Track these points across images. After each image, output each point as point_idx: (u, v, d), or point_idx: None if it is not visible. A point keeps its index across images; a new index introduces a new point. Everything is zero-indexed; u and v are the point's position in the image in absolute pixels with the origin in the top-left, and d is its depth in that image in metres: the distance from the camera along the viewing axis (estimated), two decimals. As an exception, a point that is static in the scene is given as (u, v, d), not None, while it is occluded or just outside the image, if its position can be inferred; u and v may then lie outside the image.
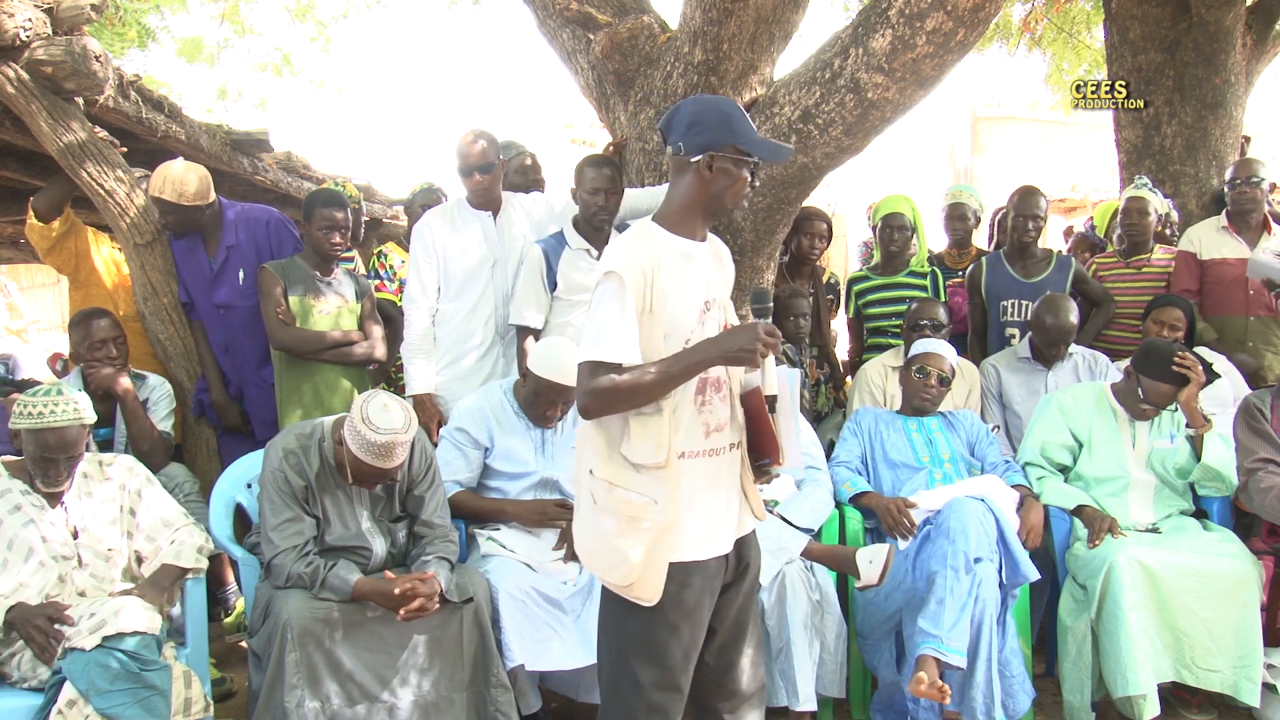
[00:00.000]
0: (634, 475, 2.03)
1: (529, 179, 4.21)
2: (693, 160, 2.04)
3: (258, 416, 3.83)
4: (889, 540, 3.17)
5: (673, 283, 2.04)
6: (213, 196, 3.75)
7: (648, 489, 2.01)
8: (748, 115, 2.11)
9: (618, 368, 1.97)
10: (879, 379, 3.97)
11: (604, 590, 2.12)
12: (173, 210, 3.65)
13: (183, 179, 3.64)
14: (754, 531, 2.27)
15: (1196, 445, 3.27)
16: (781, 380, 2.12)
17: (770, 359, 2.02)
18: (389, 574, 2.70)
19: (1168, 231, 4.82)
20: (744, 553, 2.20)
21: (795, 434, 2.15)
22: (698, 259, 2.11)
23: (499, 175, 3.63)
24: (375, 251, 4.66)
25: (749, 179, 2.08)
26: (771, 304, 2.04)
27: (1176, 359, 3.27)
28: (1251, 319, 4.17)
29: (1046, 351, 3.88)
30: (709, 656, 2.19)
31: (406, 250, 4.16)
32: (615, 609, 2.09)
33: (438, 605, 2.66)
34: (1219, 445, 3.24)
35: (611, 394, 1.97)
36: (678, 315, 2.05)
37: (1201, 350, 3.81)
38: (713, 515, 2.10)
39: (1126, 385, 3.41)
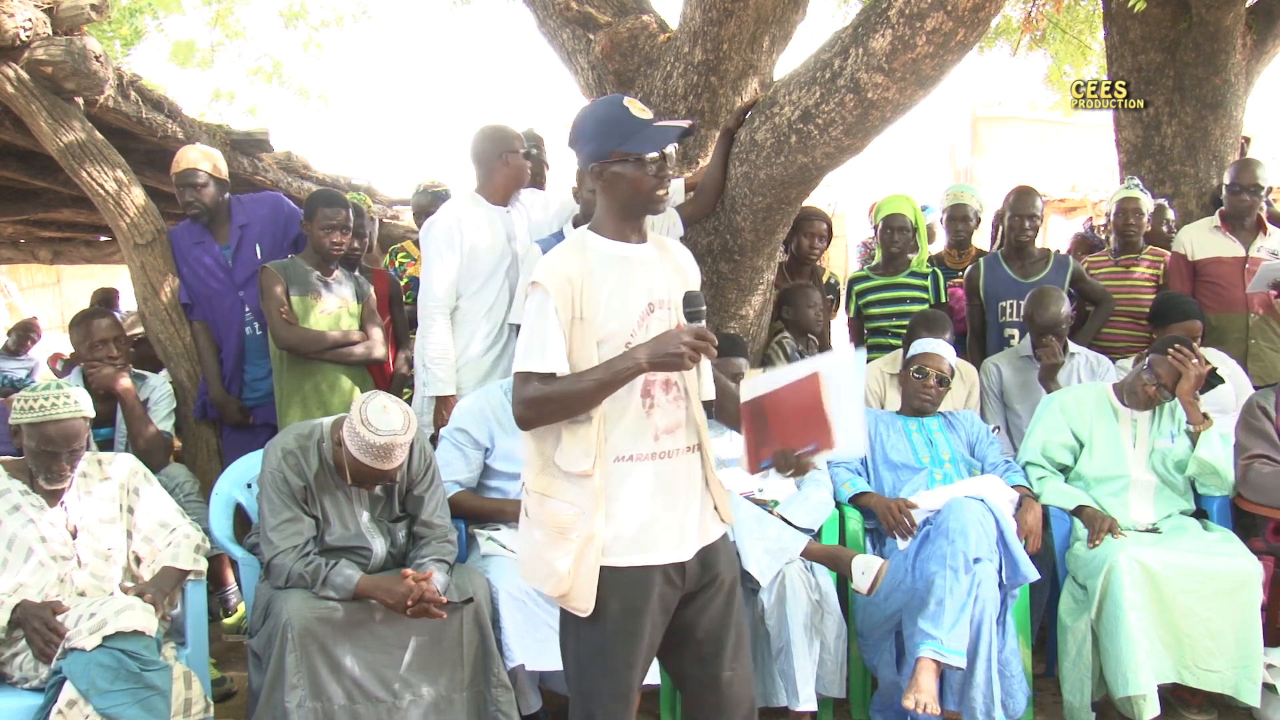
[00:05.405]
0: (564, 485, 2.02)
1: (539, 158, 4.25)
2: (590, 172, 2.05)
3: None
4: (889, 540, 3.18)
5: (606, 287, 2.02)
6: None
7: (576, 498, 2.00)
8: (631, 109, 2.02)
9: (550, 377, 1.97)
10: (876, 386, 3.94)
11: None
12: (208, 182, 3.73)
13: (214, 152, 3.81)
14: (725, 541, 2.20)
15: (1195, 442, 3.27)
16: (842, 360, 2.06)
17: (706, 363, 1.98)
18: (407, 572, 2.68)
19: (1164, 230, 4.82)
20: (710, 562, 2.12)
21: (853, 415, 2.02)
22: (637, 261, 2.09)
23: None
24: (390, 249, 4.75)
25: (654, 172, 2.02)
26: (704, 308, 2.00)
27: (1173, 350, 3.27)
28: (1253, 316, 4.17)
29: (1037, 344, 3.85)
30: (690, 669, 2.16)
31: (417, 248, 4.18)
32: (569, 618, 2.09)
33: (444, 614, 2.65)
34: (1216, 442, 3.24)
35: (544, 403, 1.97)
36: (613, 320, 2.02)
37: (1207, 352, 3.78)
38: (661, 520, 2.05)
39: (1131, 375, 3.41)
